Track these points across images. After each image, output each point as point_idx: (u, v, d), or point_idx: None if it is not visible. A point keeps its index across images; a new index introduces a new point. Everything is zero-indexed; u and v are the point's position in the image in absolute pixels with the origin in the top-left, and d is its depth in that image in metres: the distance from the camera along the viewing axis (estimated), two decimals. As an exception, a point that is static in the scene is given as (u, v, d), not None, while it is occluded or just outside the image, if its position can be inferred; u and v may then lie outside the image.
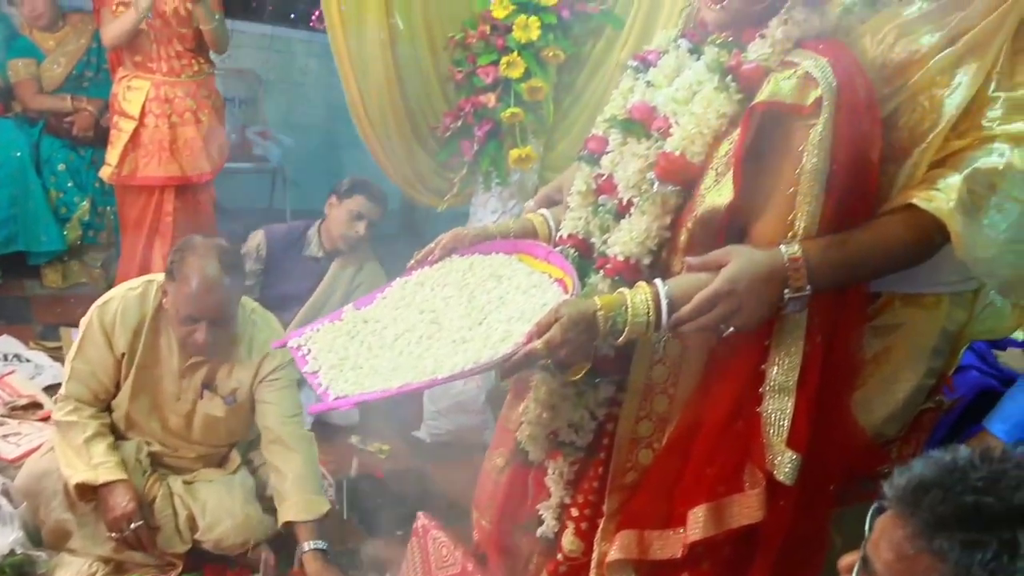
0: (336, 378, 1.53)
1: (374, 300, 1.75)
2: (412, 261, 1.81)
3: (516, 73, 3.15)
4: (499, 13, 3.19)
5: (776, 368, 1.49)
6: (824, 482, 1.61)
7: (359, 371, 1.53)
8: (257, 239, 3.56)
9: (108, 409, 2.59)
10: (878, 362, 1.72)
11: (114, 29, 3.68)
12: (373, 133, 3.40)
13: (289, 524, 2.50)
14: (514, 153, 3.20)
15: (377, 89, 3.32)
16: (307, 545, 2.46)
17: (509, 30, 3.17)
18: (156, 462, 2.63)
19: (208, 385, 2.59)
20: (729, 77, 1.48)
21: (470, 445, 3.35)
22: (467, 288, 1.64)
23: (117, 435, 2.58)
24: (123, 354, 2.51)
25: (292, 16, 6.12)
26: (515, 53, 3.16)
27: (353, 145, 3.55)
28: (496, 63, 3.18)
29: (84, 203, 4.44)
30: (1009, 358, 3.24)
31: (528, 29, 3.14)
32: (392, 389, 1.46)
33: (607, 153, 1.61)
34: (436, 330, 1.56)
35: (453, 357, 1.46)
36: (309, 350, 1.67)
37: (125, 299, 2.51)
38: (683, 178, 1.50)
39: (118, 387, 2.56)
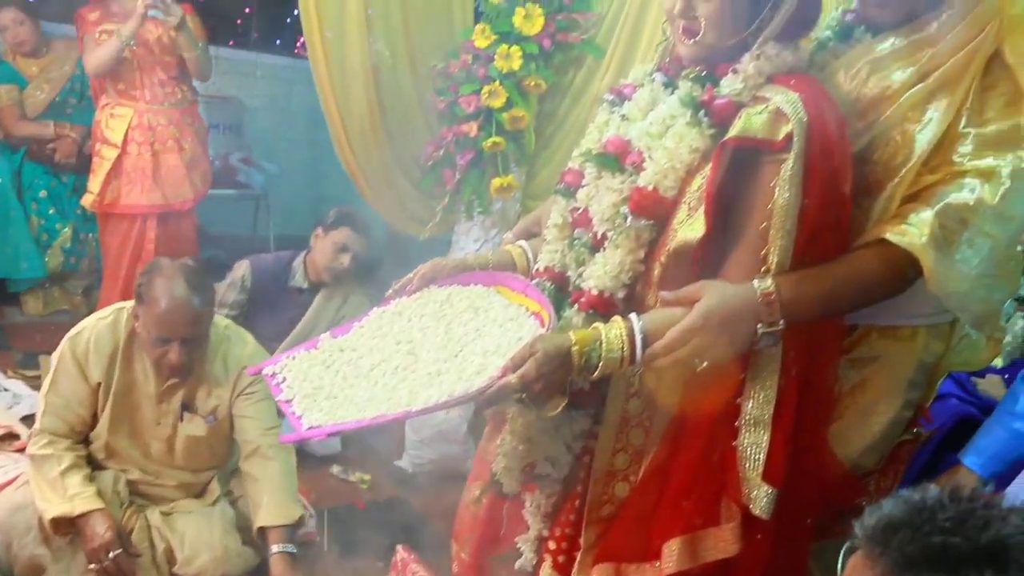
0: (310, 407, 1.52)
1: (351, 329, 1.75)
2: (390, 291, 1.81)
3: (498, 102, 3.17)
4: (481, 43, 3.21)
5: (751, 402, 1.49)
6: (802, 515, 1.61)
7: (333, 401, 1.52)
8: (242, 269, 3.55)
9: (86, 441, 2.56)
10: (855, 394, 1.73)
11: (97, 57, 3.70)
12: (355, 161, 3.41)
13: (263, 531, 2.49)
14: (496, 182, 3.21)
15: (359, 117, 3.33)
16: (275, 547, 2.44)
17: (491, 59, 3.20)
18: (135, 492, 2.60)
19: (187, 406, 2.58)
20: (702, 112, 1.49)
21: (453, 474, 3.34)
22: (444, 319, 1.64)
23: (97, 466, 2.56)
24: (99, 383, 2.50)
25: (278, 42, 6.15)
26: (497, 82, 3.18)
27: (337, 172, 3.55)
28: (478, 92, 3.19)
29: (66, 230, 4.43)
30: (988, 385, 3.26)
31: (510, 59, 3.17)
32: (366, 420, 1.45)
33: (583, 187, 1.62)
34: (412, 361, 1.55)
35: (428, 389, 1.45)
36: (284, 378, 1.66)
37: (96, 328, 2.51)
38: (656, 212, 1.51)
39: (95, 418, 2.54)
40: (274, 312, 3.47)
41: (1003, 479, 1.76)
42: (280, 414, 1.70)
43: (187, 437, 2.59)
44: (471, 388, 1.41)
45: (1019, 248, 1.66)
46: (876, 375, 1.73)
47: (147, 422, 2.56)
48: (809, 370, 1.55)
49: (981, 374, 3.19)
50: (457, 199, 3.36)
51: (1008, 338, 3.65)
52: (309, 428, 1.49)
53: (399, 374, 1.53)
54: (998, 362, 3.59)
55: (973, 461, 1.67)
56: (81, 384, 2.49)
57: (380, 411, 1.46)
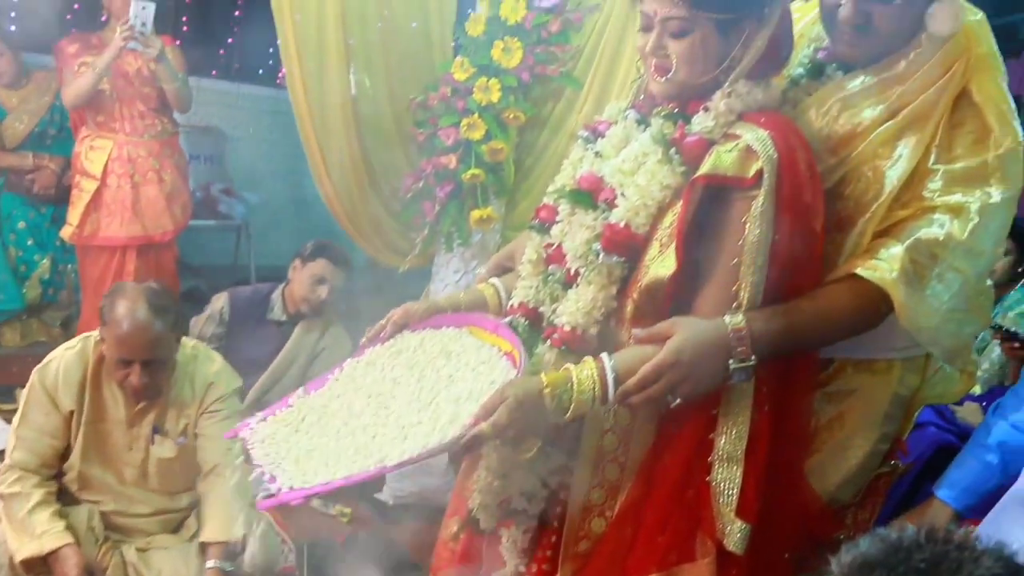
0: (285, 469, 1.51)
1: (326, 383, 1.74)
2: (364, 339, 1.80)
3: (477, 135, 3.19)
4: (460, 75, 3.23)
5: (724, 438, 1.49)
6: (779, 550, 1.61)
7: (309, 461, 1.51)
8: (221, 302, 3.53)
9: (59, 474, 2.55)
10: (831, 428, 1.74)
11: (74, 89, 3.70)
12: (335, 193, 3.42)
13: (204, 546, 2.51)
14: (475, 214, 3.22)
15: (339, 149, 3.35)
16: (210, 563, 2.45)
17: (470, 92, 3.22)
18: (110, 526, 2.58)
19: (158, 429, 2.58)
20: (673, 149, 1.50)
21: (434, 507, 3.30)
22: (417, 366, 1.64)
23: (71, 500, 2.55)
24: (71, 412, 2.50)
25: (260, 72, 6.17)
26: (476, 115, 3.20)
27: (319, 203, 3.56)
28: (457, 125, 3.22)
29: (44, 261, 4.40)
30: (967, 413, 3.27)
31: (489, 91, 3.19)
32: (341, 480, 1.44)
33: (557, 223, 1.62)
34: (385, 415, 1.55)
35: (402, 443, 1.44)
36: (258, 441, 1.64)
37: (64, 358, 2.52)
38: (628, 249, 1.51)
39: (68, 449, 2.53)
40: (253, 345, 3.45)
41: (983, 508, 1.76)
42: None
43: (159, 460, 2.59)
44: (445, 439, 1.41)
45: (988, 283, 1.68)
46: (852, 409, 1.73)
47: (119, 448, 2.57)
48: (783, 405, 1.55)
49: (960, 401, 3.20)
50: (437, 231, 3.37)
51: (985, 365, 3.68)
52: (286, 491, 1.47)
53: (373, 429, 1.53)
54: (976, 389, 3.61)
55: (947, 494, 1.67)
56: (52, 415, 2.49)
57: (356, 469, 1.45)
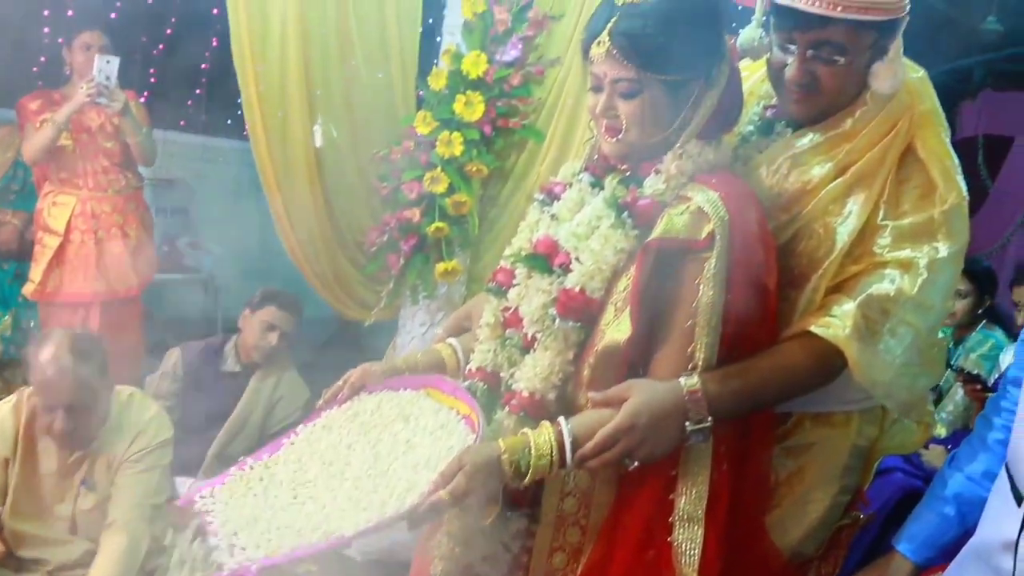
0: (240, 539, 1.48)
1: (280, 447, 1.72)
2: (321, 401, 1.79)
3: (440, 188, 3.21)
4: (423, 129, 3.26)
5: (683, 498, 1.49)
6: (743, 607, 1.60)
7: (264, 531, 1.49)
8: (173, 358, 3.49)
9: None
10: (791, 483, 1.74)
11: (33, 144, 3.67)
12: (299, 247, 3.41)
13: None
14: (440, 267, 3.23)
15: (303, 203, 3.35)
16: None
17: (433, 145, 3.24)
18: None
19: (86, 481, 2.55)
20: (625, 213, 1.51)
21: (403, 563, 3.26)
22: (374, 431, 1.62)
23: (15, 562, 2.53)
24: (6, 459, 2.50)
25: (228, 122, 6.17)
26: (439, 168, 3.22)
27: (286, 255, 3.55)
28: (420, 178, 3.23)
29: (6, 318, 4.34)
30: (933, 456, 3.30)
31: (451, 145, 3.21)
32: (299, 551, 1.42)
33: (514, 286, 1.62)
34: (340, 483, 1.53)
35: (359, 513, 1.43)
36: (212, 509, 1.61)
37: (1, 411, 2.53)
38: (584, 314, 1.51)
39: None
40: (210, 399, 3.40)
41: (944, 559, 1.77)
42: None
43: (83, 512, 2.55)
44: (402, 507, 1.39)
45: (940, 335, 1.70)
46: (811, 462, 1.74)
47: (50, 500, 2.55)
48: (742, 462, 1.55)
49: (925, 444, 3.22)
50: (402, 284, 3.36)
51: (950, 407, 3.72)
52: (241, 563, 1.45)
53: (326, 499, 1.51)
54: (941, 432, 3.65)
55: (906, 547, 1.67)
56: None
57: (312, 540, 1.43)
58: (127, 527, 2.48)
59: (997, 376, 3.49)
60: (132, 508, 2.51)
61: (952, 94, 7.07)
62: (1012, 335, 3.78)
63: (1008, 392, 1.65)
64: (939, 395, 3.76)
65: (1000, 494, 1.46)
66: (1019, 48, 6.01)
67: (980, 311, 3.90)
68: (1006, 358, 3.57)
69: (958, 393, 3.66)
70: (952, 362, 3.82)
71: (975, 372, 3.56)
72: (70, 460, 2.53)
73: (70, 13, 4.21)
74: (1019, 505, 1.33)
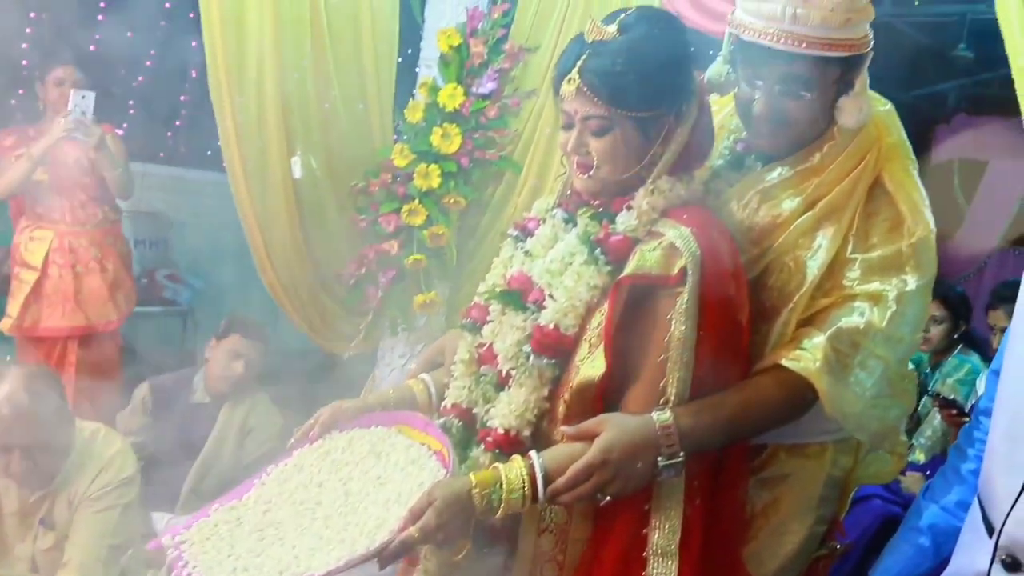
0: None
1: (252, 487, 1.71)
2: (292, 439, 1.78)
3: (418, 220, 3.22)
4: (400, 162, 3.27)
5: (657, 533, 1.49)
6: (720, 640, 1.60)
7: (233, 573, 1.48)
8: (142, 392, 3.44)
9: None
10: (767, 515, 1.75)
11: (8, 180, 3.64)
12: (277, 280, 3.40)
13: None
14: (419, 299, 3.23)
15: (281, 236, 3.34)
16: None
17: (410, 178, 3.25)
18: None
19: (44, 520, 2.50)
20: (598, 249, 1.52)
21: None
22: (345, 469, 1.62)
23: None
24: None
25: (208, 153, 6.16)
26: (416, 201, 3.23)
27: (265, 287, 3.54)
28: (398, 211, 3.24)
29: (-18, 353, 4.31)
30: (911, 482, 3.31)
31: (429, 177, 3.22)
32: None
33: (488, 323, 1.63)
34: (310, 522, 1.52)
35: (329, 552, 1.42)
36: (182, 551, 1.60)
37: None
38: (557, 350, 1.52)
39: None
40: (182, 431, 3.36)
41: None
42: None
43: (42, 552, 2.50)
44: (372, 545, 1.39)
45: (911, 367, 1.72)
46: (786, 494, 1.75)
47: (11, 540, 2.50)
48: (716, 495, 1.55)
49: (903, 471, 3.23)
50: (381, 316, 3.36)
51: (928, 432, 3.74)
52: None
53: (299, 536, 1.50)
54: (920, 458, 3.66)
55: (883, 580, 1.68)
56: None
57: None
58: (81, 568, 2.43)
59: (974, 401, 3.52)
60: (88, 548, 2.46)
61: (927, 119, 7.17)
62: (988, 359, 3.81)
63: (980, 422, 1.66)
64: (917, 421, 3.79)
65: (972, 525, 1.47)
66: (989, 73, 6.10)
67: (956, 336, 3.94)
68: (982, 383, 3.59)
69: (936, 419, 3.68)
70: (929, 387, 3.85)
71: (951, 397, 3.59)
72: (31, 500, 2.48)
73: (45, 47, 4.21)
74: (990, 536, 1.34)
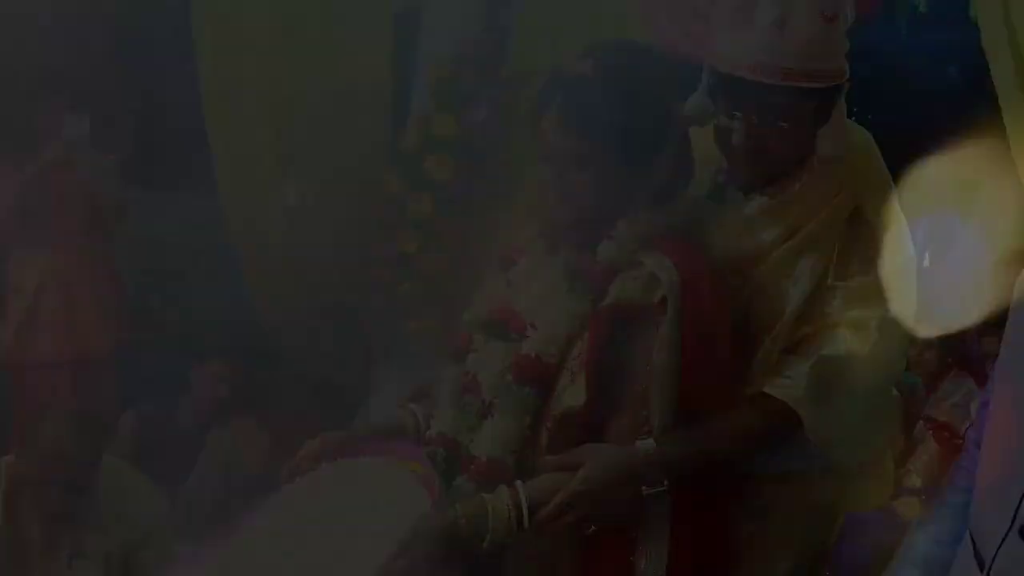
0: None
1: (240, 529, 1.71)
2: (281, 474, 1.78)
3: (413, 247, 3.22)
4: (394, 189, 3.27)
5: (644, 561, 1.50)
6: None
7: None
8: (127, 422, 3.46)
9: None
10: (752, 544, 1.73)
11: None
12: (271, 305, 3.41)
13: None
14: (413, 326, 3.23)
15: (273, 261, 3.36)
16: None
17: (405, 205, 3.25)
18: None
19: (73, 554, 2.49)
20: (580, 280, 1.53)
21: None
22: (331, 501, 1.62)
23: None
24: None
25: (203, 179, 6.16)
26: (411, 228, 3.23)
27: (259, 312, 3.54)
28: (393, 238, 3.24)
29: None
30: (906, 507, 3.29)
31: (423, 204, 3.23)
32: None
33: (472, 352, 1.64)
34: (298, 556, 1.53)
35: None
36: None
37: None
38: (539, 380, 1.52)
39: None
40: (169, 460, 3.36)
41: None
42: None
43: None
44: None
45: (894, 393, 1.73)
46: (771, 523, 1.74)
47: (37, 572, 2.50)
48: (702, 524, 1.56)
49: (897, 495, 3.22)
50: (375, 344, 3.36)
51: (924, 457, 3.72)
52: None
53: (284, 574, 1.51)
54: (916, 481, 3.64)
55: (881, 618, 1.67)
56: None
57: None
58: None
59: (968, 424, 3.51)
60: None
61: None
62: (982, 383, 3.81)
63: (971, 452, 1.65)
64: (913, 445, 3.77)
65: (964, 559, 1.46)
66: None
67: (950, 360, 3.94)
68: (974, 406, 3.59)
69: (931, 443, 3.67)
70: (924, 411, 3.84)
71: (945, 420, 3.59)
72: (57, 532, 2.48)
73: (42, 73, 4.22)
74: (981, 571, 1.33)
